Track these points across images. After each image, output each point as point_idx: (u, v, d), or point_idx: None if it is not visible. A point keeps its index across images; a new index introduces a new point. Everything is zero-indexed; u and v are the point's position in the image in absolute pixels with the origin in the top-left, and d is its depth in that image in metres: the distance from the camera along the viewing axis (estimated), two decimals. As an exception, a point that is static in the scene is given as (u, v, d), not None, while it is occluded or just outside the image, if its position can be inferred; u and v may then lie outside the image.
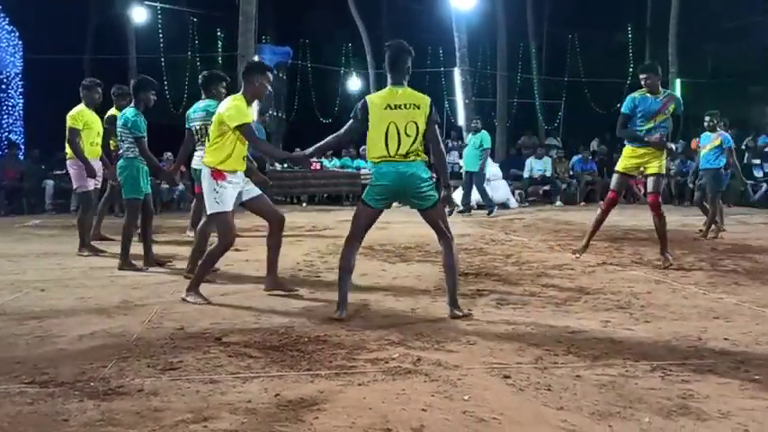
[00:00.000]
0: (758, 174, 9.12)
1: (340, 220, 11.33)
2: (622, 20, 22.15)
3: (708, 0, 19.89)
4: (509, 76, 21.52)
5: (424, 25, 21.19)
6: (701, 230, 8.75)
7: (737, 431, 2.55)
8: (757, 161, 14.05)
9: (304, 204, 15.21)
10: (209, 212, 4.93)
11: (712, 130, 8.79)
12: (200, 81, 6.50)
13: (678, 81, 18.89)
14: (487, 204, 12.46)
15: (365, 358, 3.42)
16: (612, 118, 23.06)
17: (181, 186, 13.10)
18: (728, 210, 12.43)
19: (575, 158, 16.11)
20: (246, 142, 4.87)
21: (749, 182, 11.13)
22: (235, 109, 4.80)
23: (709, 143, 8.80)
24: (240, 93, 4.96)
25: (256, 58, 14.85)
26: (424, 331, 3.94)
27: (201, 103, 6.31)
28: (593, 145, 17.76)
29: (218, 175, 4.81)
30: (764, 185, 9.15)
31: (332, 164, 16.13)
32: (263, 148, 5.70)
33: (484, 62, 22.32)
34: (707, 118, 8.83)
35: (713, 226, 8.66)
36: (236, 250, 7.29)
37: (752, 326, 4.13)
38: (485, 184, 12.97)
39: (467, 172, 12.63)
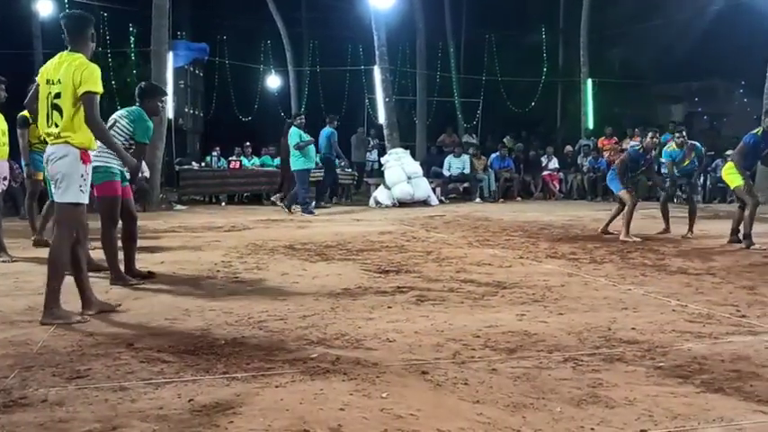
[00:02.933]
0: (664, 170, 9.59)
1: (259, 219, 11.18)
2: (536, 21, 22.81)
3: (616, 4, 20.74)
4: (428, 75, 21.78)
5: (344, 23, 21.21)
6: (662, 232, 8.83)
7: (643, 416, 2.65)
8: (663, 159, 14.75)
9: (223, 204, 14.92)
10: (71, 201, 4.17)
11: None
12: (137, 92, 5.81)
13: (589, 81, 19.62)
14: (299, 202, 12.01)
15: (283, 359, 3.37)
16: (528, 116, 23.81)
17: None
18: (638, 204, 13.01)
19: (493, 156, 16.47)
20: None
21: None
22: (91, 70, 4.10)
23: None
24: (74, 51, 4.23)
25: (171, 56, 14.48)
26: (344, 330, 3.92)
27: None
28: (506, 141, 18.17)
29: (87, 158, 4.23)
30: (669, 181, 9.67)
31: (251, 162, 15.89)
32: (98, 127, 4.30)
33: (403, 60, 22.51)
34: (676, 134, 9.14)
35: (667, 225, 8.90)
36: (151, 252, 7.09)
37: (657, 315, 4.33)
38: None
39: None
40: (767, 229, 9.07)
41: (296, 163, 12.00)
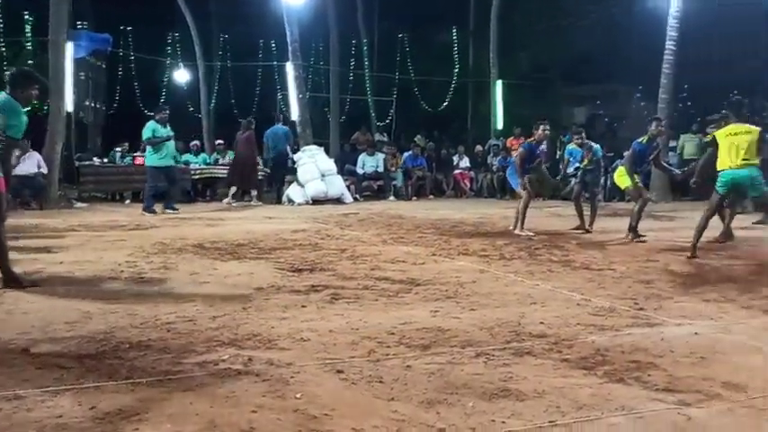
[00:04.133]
0: (570, 169, 9.97)
1: (167, 217, 10.83)
2: (447, 22, 23.16)
3: (524, 7, 21.36)
4: (342, 72, 21.74)
5: (255, 18, 20.81)
6: (578, 228, 9.10)
7: (551, 408, 2.73)
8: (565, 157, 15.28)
9: (128, 201, 14.35)
10: None
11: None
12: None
13: (499, 82, 20.12)
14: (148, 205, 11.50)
15: (192, 362, 3.26)
16: (440, 116, 24.04)
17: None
18: (543, 203, 13.49)
19: (406, 154, 16.62)
20: None
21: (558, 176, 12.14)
22: None
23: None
24: None
25: (70, 46, 13.77)
26: (257, 330, 3.84)
27: None
28: (418, 140, 18.36)
29: None
30: (573, 180, 10.07)
31: (159, 159, 15.32)
32: None
33: (317, 57, 22.37)
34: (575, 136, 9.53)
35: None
36: (49, 252, 6.72)
37: (563, 309, 4.48)
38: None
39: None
40: (662, 226, 9.62)
41: (148, 158, 11.63)
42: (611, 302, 4.69)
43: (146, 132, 11.47)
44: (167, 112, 11.75)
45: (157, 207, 11.47)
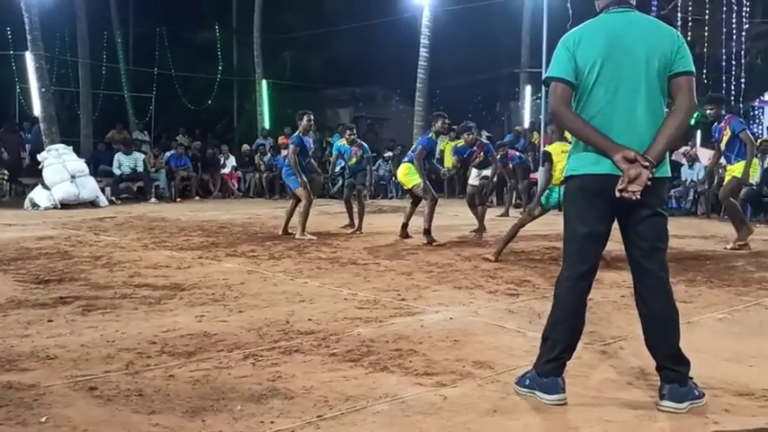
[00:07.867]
0: (337, 168, 10.24)
1: None
2: (209, 19, 22.53)
3: (287, 8, 21.52)
4: (93, 65, 20.06)
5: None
6: (348, 226, 9.20)
7: (319, 403, 2.76)
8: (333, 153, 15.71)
9: None
10: None
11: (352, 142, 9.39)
12: None
13: (264, 82, 20.07)
14: None
15: None
16: (204, 114, 23.16)
17: None
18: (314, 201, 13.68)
19: (168, 153, 15.85)
20: None
21: (325, 175, 12.44)
22: None
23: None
24: None
25: None
26: (-9, 352, 3.38)
27: None
28: (180, 139, 17.61)
29: None
30: (340, 180, 10.43)
31: None
32: None
33: (63, 48, 20.38)
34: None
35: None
36: None
37: (331, 305, 4.58)
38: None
39: None
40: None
41: None
42: (376, 295, 4.90)
43: None
44: None
45: None
